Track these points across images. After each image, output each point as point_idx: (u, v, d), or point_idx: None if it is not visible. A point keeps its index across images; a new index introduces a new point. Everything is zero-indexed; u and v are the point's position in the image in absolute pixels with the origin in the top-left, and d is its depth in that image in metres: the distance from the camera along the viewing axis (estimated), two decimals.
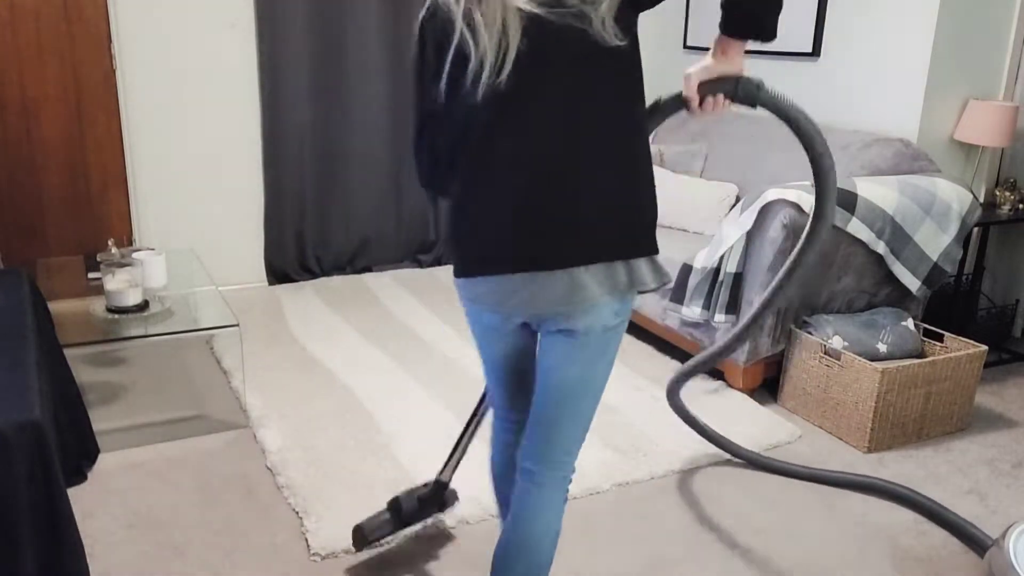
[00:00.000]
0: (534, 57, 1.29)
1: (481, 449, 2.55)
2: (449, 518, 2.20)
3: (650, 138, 1.47)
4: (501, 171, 1.35)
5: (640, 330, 3.57)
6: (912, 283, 2.93)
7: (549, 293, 1.36)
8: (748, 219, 2.74)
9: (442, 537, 2.14)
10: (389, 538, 2.11)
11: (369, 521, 2.05)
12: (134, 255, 2.89)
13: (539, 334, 1.49)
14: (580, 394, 1.46)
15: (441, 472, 2.14)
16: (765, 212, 2.73)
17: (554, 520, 1.51)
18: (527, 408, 1.54)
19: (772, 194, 2.72)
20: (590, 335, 1.40)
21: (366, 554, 2.06)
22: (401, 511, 2.08)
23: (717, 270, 2.85)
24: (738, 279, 2.82)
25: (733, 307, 2.85)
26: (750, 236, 2.78)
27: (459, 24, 1.30)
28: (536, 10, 1.27)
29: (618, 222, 1.36)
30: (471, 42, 1.30)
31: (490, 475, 1.75)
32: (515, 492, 1.53)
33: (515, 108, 1.32)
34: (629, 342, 3.45)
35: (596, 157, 1.34)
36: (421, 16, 1.40)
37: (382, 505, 2.23)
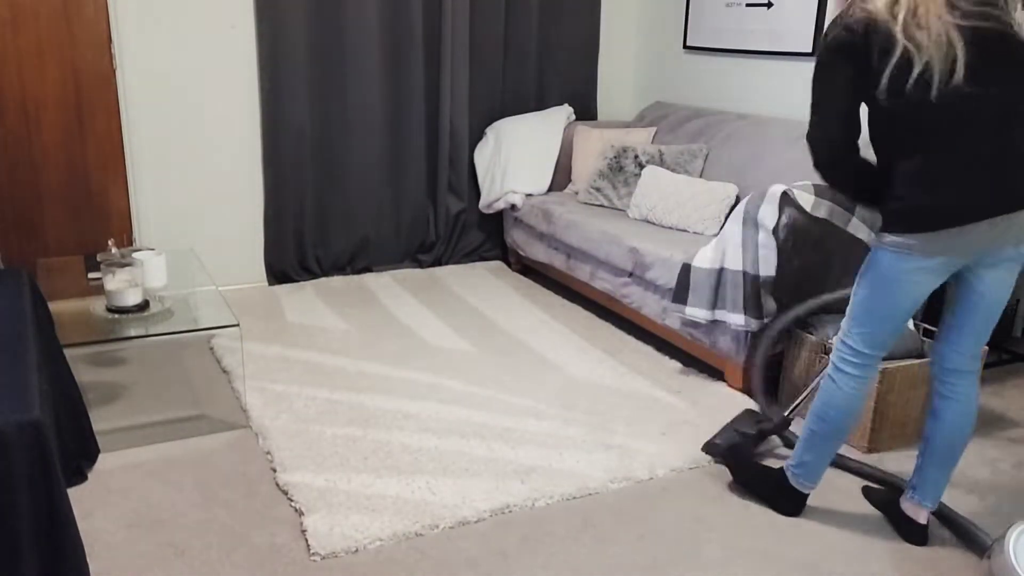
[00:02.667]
0: (978, 61, 1.70)
1: (483, 464, 2.56)
2: (449, 519, 2.20)
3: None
4: (970, 149, 1.74)
5: (640, 330, 3.57)
6: None
7: (1017, 225, 1.81)
8: (768, 218, 2.70)
9: (441, 537, 2.14)
10: (381, 541, 2.11)
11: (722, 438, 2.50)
12: (134, 255, 2.89)
13: (971, 268, 1.91)
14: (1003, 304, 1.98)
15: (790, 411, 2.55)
16: (766, 212, 2.73)
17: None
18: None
19: (776, 192, 2.71)
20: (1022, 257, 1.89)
21: (366, 554, 2.06)
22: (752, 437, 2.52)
23: (721, 271, 2.85)
24: (755, 279, 2.79)
25: (754, 308, 2.82)
26: (749, 236, 2.78)
27: (900, 39, 1.70)
28: (969, 23, 1.69)
29: None
30: (916, 53, 1.69)
31: (847, 411, 2.10)
32: (959, 384, 2.05)
33: (970, 102, 1.72)
34: (629, 342, 3.45)
35: None
36: (839, 32, 1.78)
37: (382, 505, 2.24)
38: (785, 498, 2.26)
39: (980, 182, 1.76)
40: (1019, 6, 1.73)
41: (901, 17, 1.69)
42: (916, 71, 1.70)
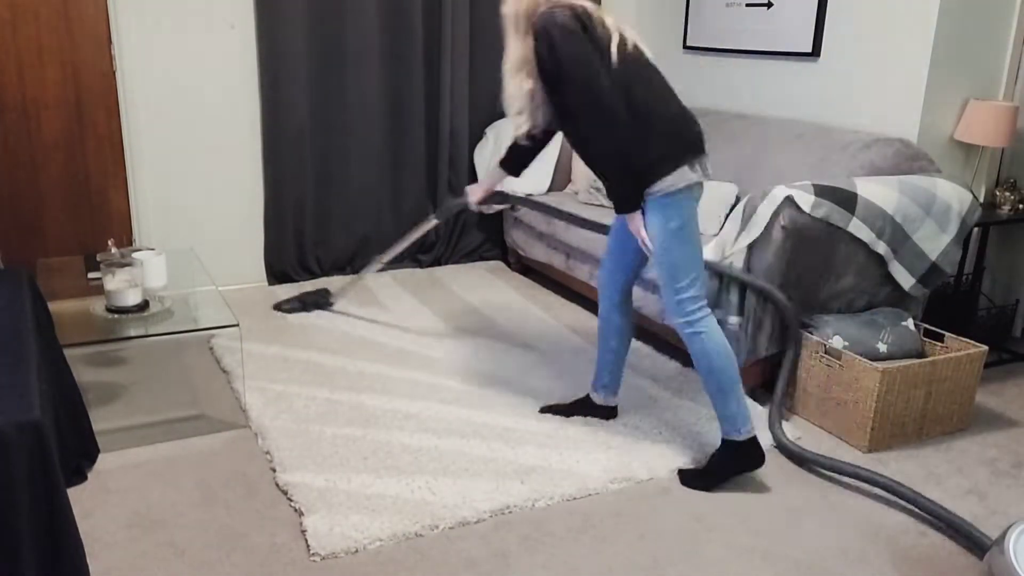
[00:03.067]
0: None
1: (483, 464, 2.56)
2: (449, 519, 2.20)
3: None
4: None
5: (640, 330, 3.57)
6: (906, 280, 2.93)
7: None
8: (760, 223, 2.71)
9: (441, 537, 2.14)
10: (381, 541, 2.11)
11: None
12: (134, 255, 2.89)
13: None
14: None
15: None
16: (767, 213, 2.73)
17: None
18: None
19: (777, 194, 2.71)
20: None
21: (366, 554, 2.06)
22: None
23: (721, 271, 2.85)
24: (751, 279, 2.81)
25: (741, 309, 2.84)
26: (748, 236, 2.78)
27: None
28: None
29: None
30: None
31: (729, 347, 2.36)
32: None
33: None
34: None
35: None
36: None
37: (382, 505, 2.24)
38: (746, 455, 2.37)
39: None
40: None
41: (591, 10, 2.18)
42: (623, 35, 2.15)
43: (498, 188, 2.81)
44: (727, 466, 2.40)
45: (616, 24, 2.19)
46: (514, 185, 4.17)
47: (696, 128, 2.23)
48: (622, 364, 2.69)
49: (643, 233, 2.25)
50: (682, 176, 2.17)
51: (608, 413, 2.76)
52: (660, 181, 2.17)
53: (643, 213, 2.25)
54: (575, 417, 2.77)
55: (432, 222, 3.30)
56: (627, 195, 2.22)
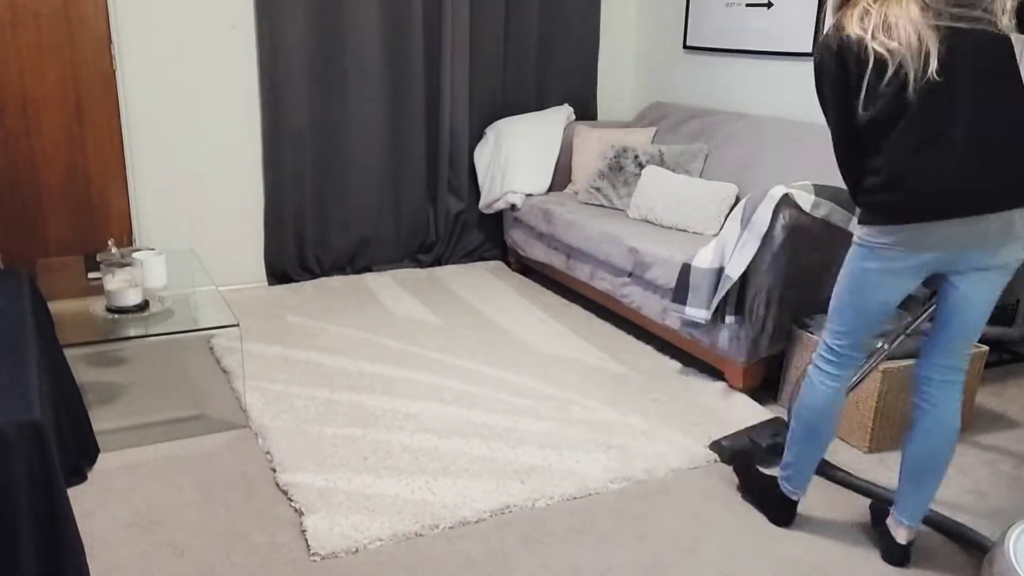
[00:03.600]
0: (949, 56, 1.73)
1: (483, 464, 2.56)
2: (449, 519, 2.20)
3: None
4: (943, 142, 1.75)
5: (640, 330, 3.57)
6: None
7: (989, 230, 1.78)
8: (761, 224, 2.71)
9: (441, 537, 2.14)
10: (381, 541, 2.11)
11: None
12: (134, 255, 2.89)
13: (949, 274, 1.89)
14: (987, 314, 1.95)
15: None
16: (767, 213, 2.73)
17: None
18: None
19: (776, 194, 2.71)
20: (1008, 268, 1.86)
21: (366, 554, 2.06)
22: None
23: (720, 270, 2.85)
24: (741, 279, 2.81)
25: (740, 308, 2.84)
26: (748, 236, 2.78)
27: (871, 47, 1.76)
28: (943, 22, 1.75)
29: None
30: (888, 58, 1.75)
31: (820, 410, 2.09)
32: (937, 394, 2.01)
33: (940, 94, 1.74)
34: (628, 342, 3.45)
35: (1009, 127, 1.76)
36: (819, 53, 1.88)
37: (382, 505, 2.24)
38: (776, 505, 2.25)
39: (945, 179, 1.75)
40: (1007, 9, 1.78)
41: (871, 29, 1.77)
42: (889, 72, 1.75)
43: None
44: (760, 495, 2.30)
45: (906, 45, 1.75)
46: (515, 184, 4.18)
47: (921, 194, 1.78)
48: (917, 487, 2.08)
49: None
50: (876, 233, 1.86)
51: (890, 550, 2.15)
52: (859, 226, 1.92)
53: None
54: (582, 414, 2.77)
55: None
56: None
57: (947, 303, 1.93)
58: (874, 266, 1.88)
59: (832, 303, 2.02)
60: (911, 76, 1.74)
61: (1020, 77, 1.77)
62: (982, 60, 1.75)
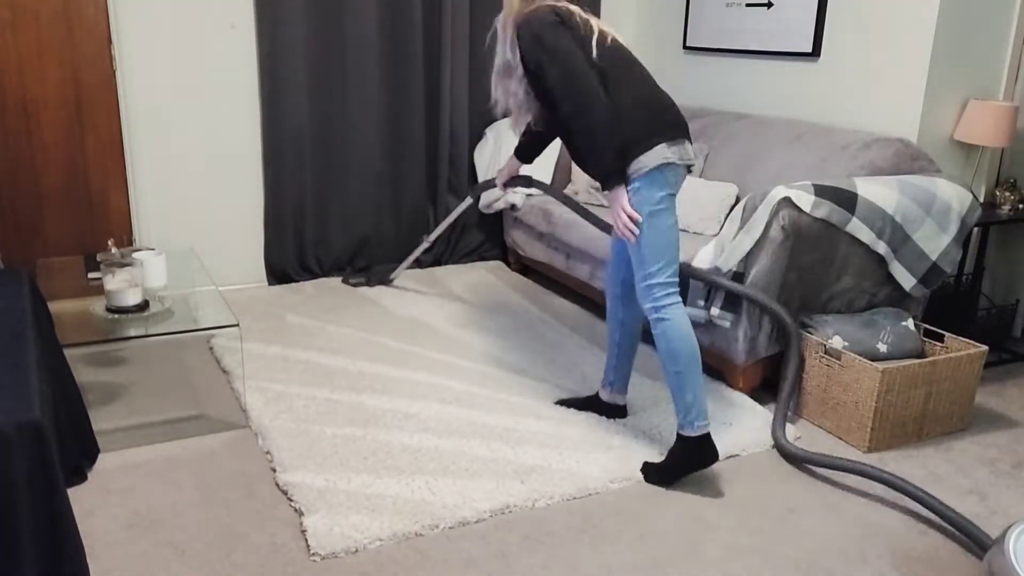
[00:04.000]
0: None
1: (483, 464, 2.56)
2: (449, 519, 2.20)
3: None
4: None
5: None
6: (908, 281, 2.93)
7: None
8: (760, 223, 2.71)
9: (441, 537, 2.14)
10: (381, 541, 2.11)
11: None
12: (134, 255, 2.89)
13: None
14: None
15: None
16: (766, 213, 2.73)
17: None
18: None
19: (776, 194, 2.71)
20: None
21: (366, 554, 2.06)
22: None
23: (720, 270, 2.85)
24: (737, 277, 2.81)
25: (732, 305, 2.84)
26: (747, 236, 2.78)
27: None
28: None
29: None
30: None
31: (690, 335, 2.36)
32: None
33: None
34: None
35: None
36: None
37: (382, 505, 2.24)
38: (698, 451, 2.37)
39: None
40: None
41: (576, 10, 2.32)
42: (604, 30, 2.29)
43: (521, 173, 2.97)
44: (679, 463, 2.40)
45: (597, 22, 2.33)
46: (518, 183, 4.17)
47: (674, 113, 2.30)
48: (628, 362, 2.70)
49: (620, 210, 2.29)
50: (658, 155, 2.23)
51: (614, 411, 2.77)
52: (636, 160, 2.24)
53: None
54: (583, 414, 2.77)
55: (468, 201, 3.59)
56: (608, 170, 2.27)
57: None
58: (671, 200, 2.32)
59: (655, 246, 2.29)
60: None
61: None
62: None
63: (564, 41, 2.23)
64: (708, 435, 2.36)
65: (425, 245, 3.94)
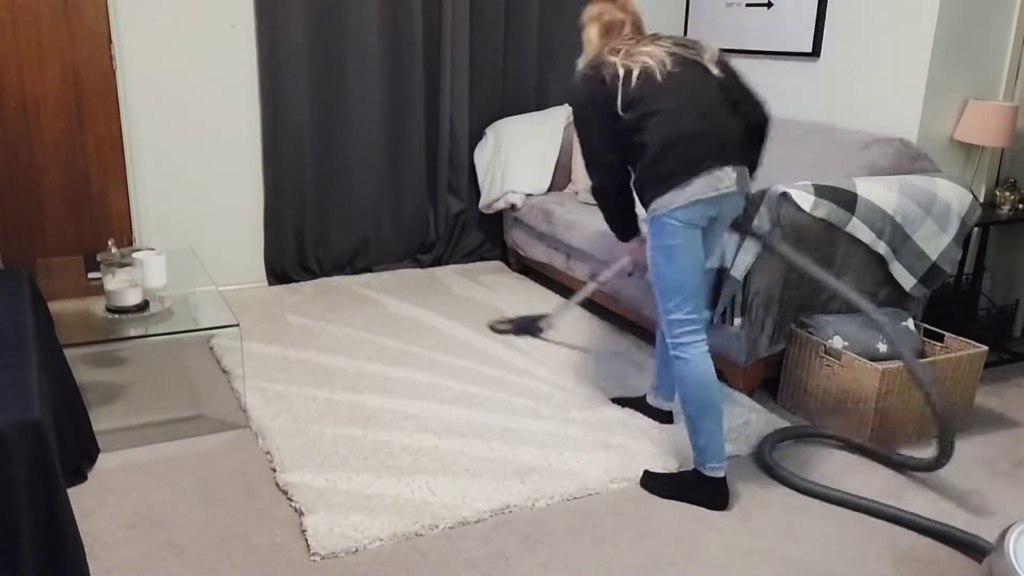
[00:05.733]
0: (678, 65, 2.26)
1: (483, 464, 2.56)
2: (449, 519, 2.20)
3: None
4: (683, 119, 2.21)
5: (640, 330, 3.57)
6: (908, 281, 2.93)
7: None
8: (761, 224, 2.71)
9: (441, 537, 2.14)
10: (381, 541, 2.11)
11: None
12: (134, 255, 2.89)
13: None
14: None
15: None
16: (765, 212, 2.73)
17: None
18: None
19: (776, 194, 2.71)
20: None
21: (366, 554, 2.06)
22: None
23: (720, 271, 2.85)
24: (745, 280, 2.80)
25: (742, 309, 2.82)
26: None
27: (619, 62, 2.24)
28: (668, 48, 2.28)
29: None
30: (633, 66, 2.24)
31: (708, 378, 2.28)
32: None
33: (676, 80, 2.26)
34: (629, 343, 3.45)
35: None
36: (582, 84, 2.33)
37: (382, 505, 2.24)
38: (708, 491, 2.31)
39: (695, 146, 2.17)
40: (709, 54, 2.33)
41: (621, 54, 2.24)
42: (636, 72, 2.19)
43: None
44: (685, 490, 2.35)
45: (628, 57, 2.23)
46: (515, 184, 4.18)
47: (706, 141, 2.17)
48: (671, 371, 2.62)
49: (637, 253, 2.57)
50: (667, 201, 2.17)
51: (659, 416, 2.76)
52: (654, 202, 2.22)
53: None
54: (583, 414, 2.78)
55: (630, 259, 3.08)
56: (615, 230, 2.57)
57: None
58: (678, 228, 2.24)
59: (669, 282, 2.26)
60: (657, 70, 2.21)
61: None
62: (694, 68, 2.28)
63: (588, 114, 2.29)
64: (723, 480, 2.30)
65: (582, 294, 3.35)
